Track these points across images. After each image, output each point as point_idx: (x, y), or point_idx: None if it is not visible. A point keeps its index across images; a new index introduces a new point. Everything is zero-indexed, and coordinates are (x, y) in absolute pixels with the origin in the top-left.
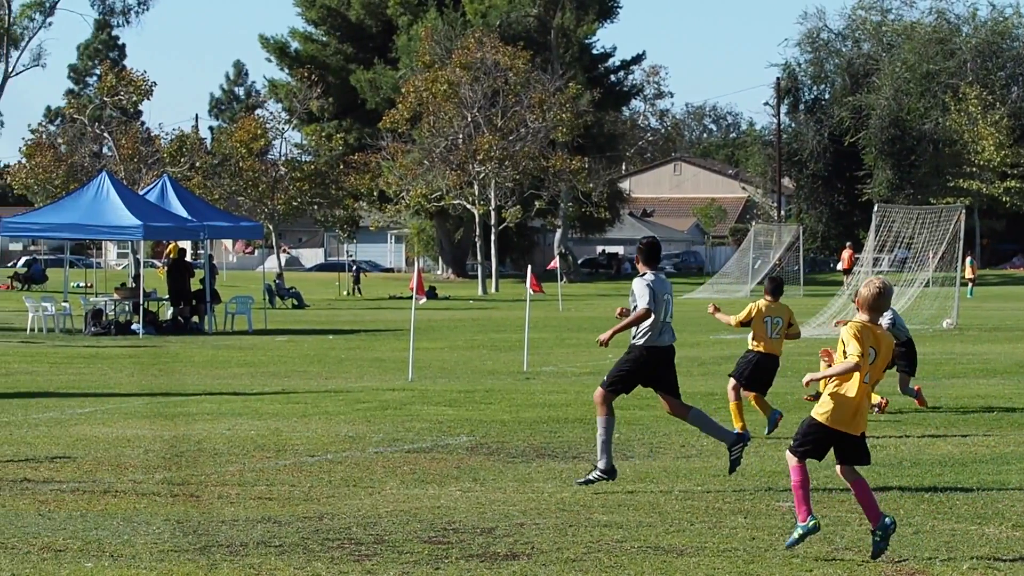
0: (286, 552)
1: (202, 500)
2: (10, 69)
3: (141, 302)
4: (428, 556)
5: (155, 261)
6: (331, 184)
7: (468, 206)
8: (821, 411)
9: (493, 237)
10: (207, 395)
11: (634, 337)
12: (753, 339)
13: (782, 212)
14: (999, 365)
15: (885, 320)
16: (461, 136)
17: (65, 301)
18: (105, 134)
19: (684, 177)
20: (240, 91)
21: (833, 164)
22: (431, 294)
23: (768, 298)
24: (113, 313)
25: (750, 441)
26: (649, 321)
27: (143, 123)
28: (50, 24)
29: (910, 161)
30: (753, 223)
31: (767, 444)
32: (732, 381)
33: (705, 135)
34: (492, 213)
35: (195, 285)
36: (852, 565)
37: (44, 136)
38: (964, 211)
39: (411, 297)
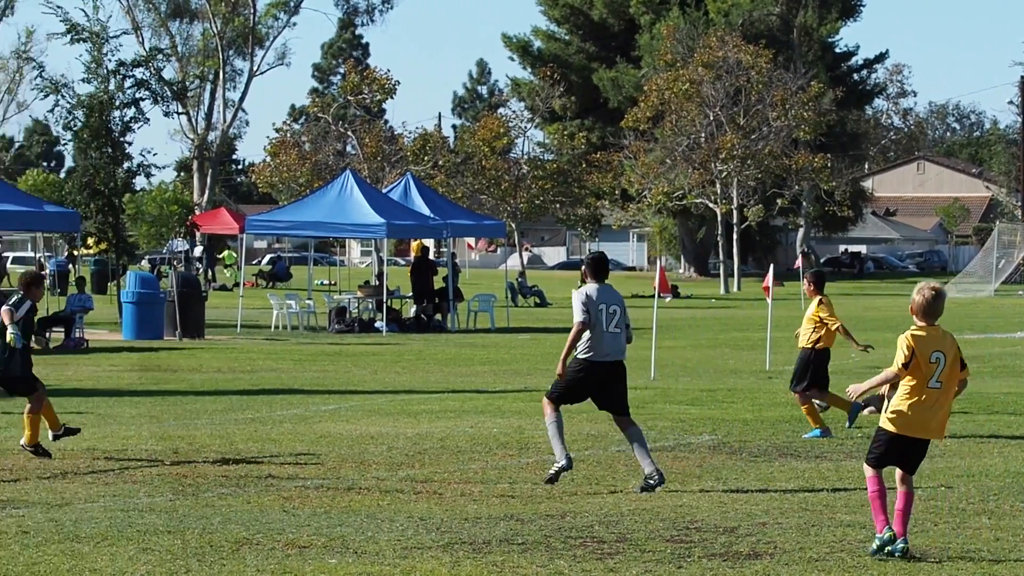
0: (529, 550)
1: (445, 497)
2: (255, 68)
3: (384, 300)
4: (670, 555)
5: (398, 259)
6: (573, 183)
7: (710, 205)
8: (888, 417)
9: (735, 236)
10: (450, 393)
11: (578, 351)
12: (814, 334)
13: None
14: None
15: None
16: (703, 135)
17: (309, 299)
18: (349, 132)
19: (927, 176)
20: (483, 90)
21: None
22: (674, 293)
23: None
24: (357, 311)
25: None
26: (588, 334)
27: (386, 121)
28: (294, 24)
29: None
30: (997, 222)
31: (1011, 444)
32: (800, 396)
33: (948, 134)
34: (734, 212)
35: (438, 283)
36: None
37: (288, 135)
38: None
39: (652, 296)
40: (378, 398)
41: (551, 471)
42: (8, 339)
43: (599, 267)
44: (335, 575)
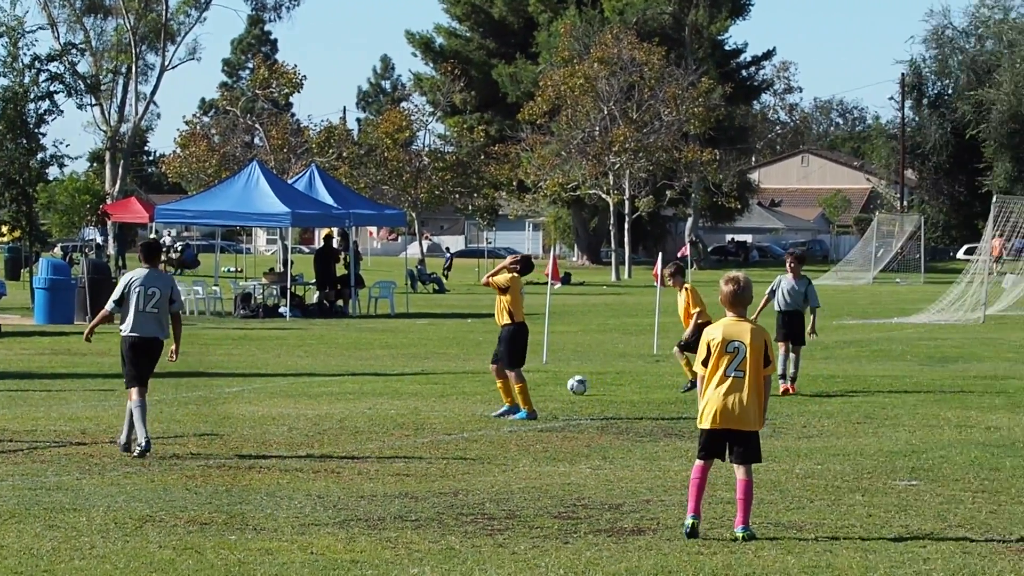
0: (422, 526)
1: (343, 476)
2: (167, 63)
3: (288, 286)
4: (558, 531)
5: (303, 247)
6: (472, 174)
7: (603, 195)
8: (700, 416)
9: (627, 225)
10: (350, 375)
11: (122, 330)
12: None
13: (904, 202)
14: None
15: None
16: (597, 128)
17: (216, 285)
18: (256, 125)
19: (811, 169)
20: (386, 84)
21: (954, 156)
22: (566, 280)
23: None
24: (261, 297)
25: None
26: (127, 313)
27: (293, 115)
28: (204, 19)
29: None
30: (876, 213)
31: (885, 425)
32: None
33: (832, 128)
34: (626, 202)
35: (340, 270)
36: (965, 543)
37: (198, 127)
38: None
39: (546, 283)
40: (280, 381)
41: (137, 450)
42: None
43: (149, 252)
44: (235, 551)
